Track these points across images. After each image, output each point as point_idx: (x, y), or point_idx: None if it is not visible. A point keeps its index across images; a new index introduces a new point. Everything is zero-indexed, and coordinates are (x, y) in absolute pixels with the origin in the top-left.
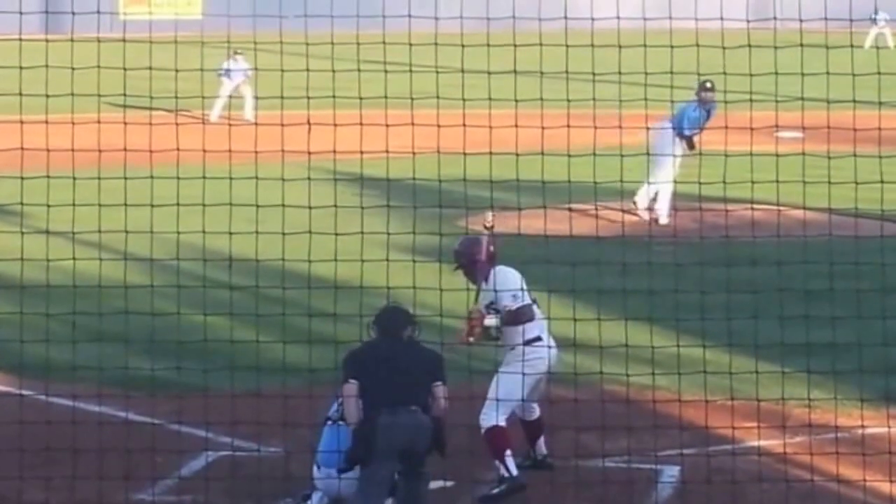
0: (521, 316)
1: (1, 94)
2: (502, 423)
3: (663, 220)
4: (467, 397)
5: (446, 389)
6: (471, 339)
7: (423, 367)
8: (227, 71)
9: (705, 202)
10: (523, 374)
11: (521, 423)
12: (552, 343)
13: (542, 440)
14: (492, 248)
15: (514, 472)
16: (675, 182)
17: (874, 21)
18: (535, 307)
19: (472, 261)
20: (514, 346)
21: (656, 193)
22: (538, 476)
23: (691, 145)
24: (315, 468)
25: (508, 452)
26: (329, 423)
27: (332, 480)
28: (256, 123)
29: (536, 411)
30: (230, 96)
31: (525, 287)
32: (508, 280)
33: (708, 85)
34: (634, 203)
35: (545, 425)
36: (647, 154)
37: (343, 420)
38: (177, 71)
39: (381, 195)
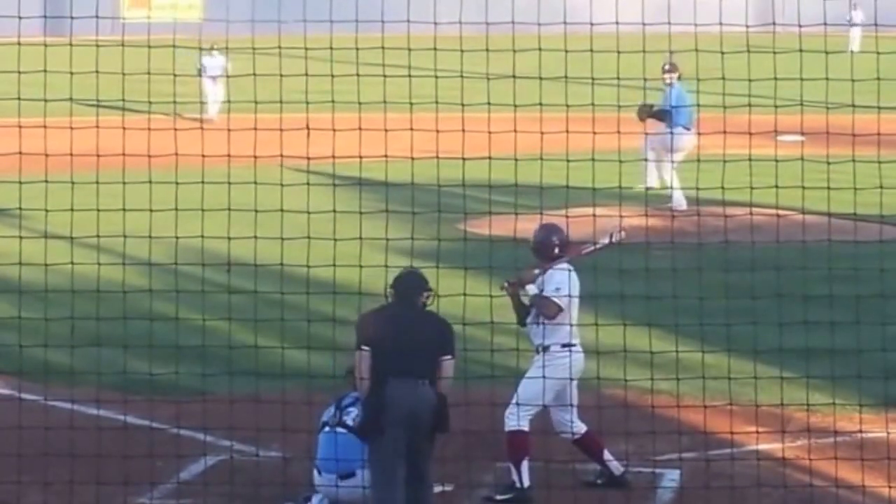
0: (548, 305)
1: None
2: (525, 427)
3: (681, 205)
4: (465, 403)
5: (454, 364)
6: (506, 283)
7: (433, 337)
8: (204, 68)
9: (704, 206)
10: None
11: (575, 444)
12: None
13: (607, 453)
14: (556, 241)
15: (527, 483)
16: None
17: (851, 22)
18: (573, 328)
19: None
20: (548, 346)
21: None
22: (538, 478)
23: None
24: (316, 474)
25: (525, 462)
26: (326, 428)
27: (332, 486)
28: (201, 127)
29: (581, 426)
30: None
31: (574, 297)
32: (562, 276)
33: (666, 67)
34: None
35: (601, 437)
36: (645, 159)
37: (342, 425)
38: (175, 75)
39: (380, 199)
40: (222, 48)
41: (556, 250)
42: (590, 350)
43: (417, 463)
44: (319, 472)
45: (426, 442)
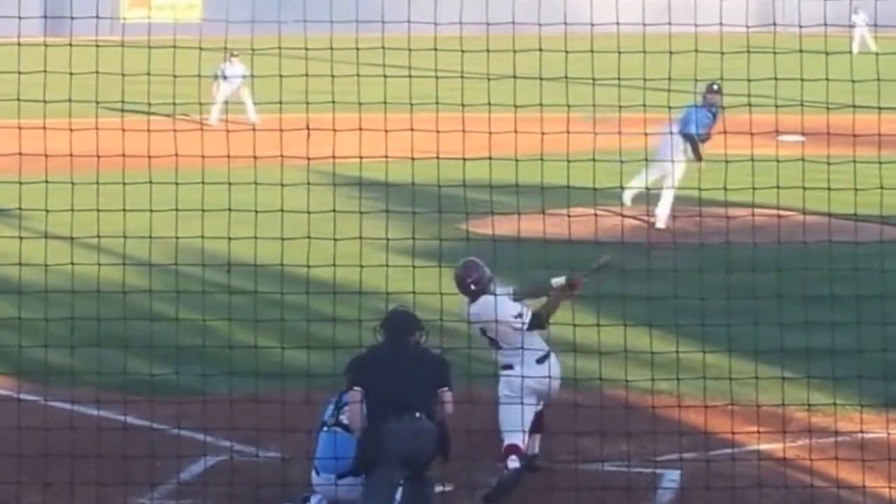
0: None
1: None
2: (521, 444)
3: (660, 224)
4: (467, 401)
5: (452, 395)
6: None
7: (428, 372)
8: (224, 75)
9: (705, 206)
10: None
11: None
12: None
13: (537, 438)
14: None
15: (536, 450)
16: (677, 188)
17: (852, 24)
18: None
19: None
20: (509, 365)
21: (658, 197)
22: (538, 480)
23: (698, 154)
24: (314, 474)
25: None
26: (325, 428)
27: (331, 486)
28: (254, 128)
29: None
30: (226, 101)
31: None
32: (507, 302)
33: (715, 87)
34: (622, 203)
35: (545, 426)
36: (646, 159)
37: (340, 425)
38: (175, 76)
39: (380, 199)
40: (239, 54)
41: (473, 287)
42: (591, 351)
43: (420, 490)
44: (318, 472)
45: (427, 471)
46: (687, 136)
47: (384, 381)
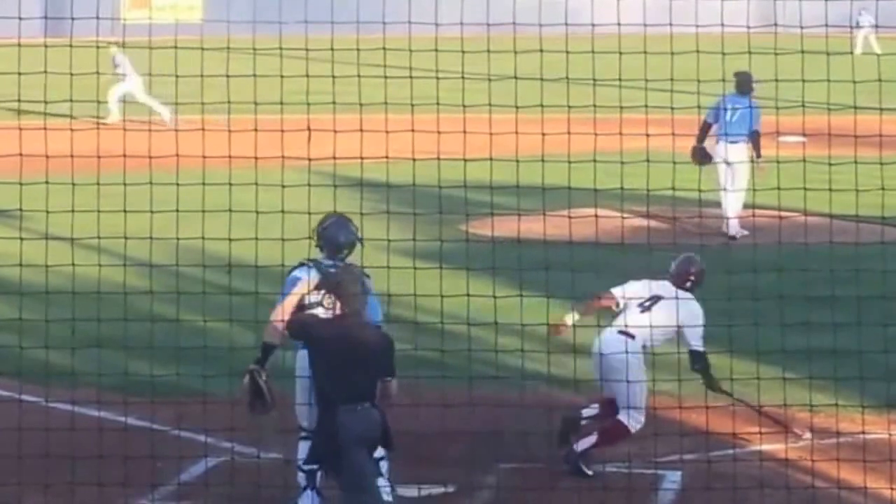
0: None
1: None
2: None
3: (734, 231)
4: (469, 403)
5: (396, 383)
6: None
7: (379, 360)
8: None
9: (706, 207)
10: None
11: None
12: None
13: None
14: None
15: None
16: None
17: (858, 25)
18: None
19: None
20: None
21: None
22: (539, 480)
23: (759, 151)
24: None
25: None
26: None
27: None
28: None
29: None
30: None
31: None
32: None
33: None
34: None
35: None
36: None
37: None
38: (177, 76)
39: (381, 200)
40: (118, 45)
41: (692, 280)
42: (592, 351)
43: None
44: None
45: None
46: (752, 136)
47: (341, 364)
